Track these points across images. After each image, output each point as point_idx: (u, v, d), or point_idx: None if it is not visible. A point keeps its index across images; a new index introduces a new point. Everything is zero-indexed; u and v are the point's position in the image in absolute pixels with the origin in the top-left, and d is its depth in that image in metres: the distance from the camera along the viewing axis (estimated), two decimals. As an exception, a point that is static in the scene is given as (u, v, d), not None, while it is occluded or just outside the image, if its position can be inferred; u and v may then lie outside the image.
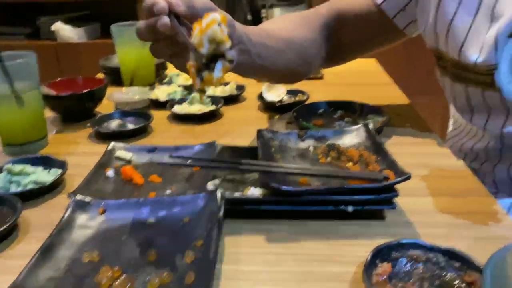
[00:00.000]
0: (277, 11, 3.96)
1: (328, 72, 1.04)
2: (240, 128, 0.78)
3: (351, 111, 0.80)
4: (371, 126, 0.63)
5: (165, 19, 0.48)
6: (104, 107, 0.86)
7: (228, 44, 0.47)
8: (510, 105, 0.63)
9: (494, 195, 0.69)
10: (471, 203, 0.53)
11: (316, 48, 0.75)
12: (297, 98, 0.88)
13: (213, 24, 0.46)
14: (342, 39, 0.77)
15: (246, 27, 0.60)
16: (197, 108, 0.82)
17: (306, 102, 0.86)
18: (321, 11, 0.78)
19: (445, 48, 0.68)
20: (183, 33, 0.49)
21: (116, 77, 1.00)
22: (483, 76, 0.63)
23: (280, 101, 0.86)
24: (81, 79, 0.87)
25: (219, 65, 0.48)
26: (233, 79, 0.96)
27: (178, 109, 0.82)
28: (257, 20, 5.06)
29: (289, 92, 0.90)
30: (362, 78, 1.05)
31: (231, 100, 0.90)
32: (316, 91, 0.93)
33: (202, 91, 0.51)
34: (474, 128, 0.72)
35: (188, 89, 0.93)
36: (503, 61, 0.60)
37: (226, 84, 0.94)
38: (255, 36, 0.61)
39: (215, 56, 0.47)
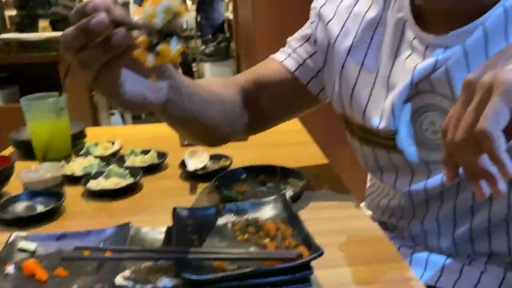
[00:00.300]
0: (207, 65, 4.06)
1: (252, 133, 1.06)
2: (160, 201, 0.75)
3: (273, 175, 0.81)
4: (289, 194, 0.63)
5: (102, 14, 0.42)
6: (13, 187, 0.80)
7: (184, 18, 0.43)
8: (413, 166, 0.66)
9: (412, 249, 0.72)
10: (386, 271, 0.53)
11: (239, 110, 0.77)
12: (220, 164, 0.88)
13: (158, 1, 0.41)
14: (261, 106, 0.79)
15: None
16: (114, 182, 0.79)
17: (230, 167, 0.86)
18: (239, 79, 0.80)
19: (350, 113, 0.72)
20: (127, 18, 0.43)
21: (28, 151, 0.94)
22: (386, 140, 0.67)
23: (203, 168, 0.85)
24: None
25: (174, 41, 0.43)
26: (154, 145, 0.95)
27: (93, 184, 0.78)
28: (188, 74, 5.15)
29: (212, 158, 0.89)
30: (285, 137, 1.07)
31: (152, 169, 0.88)
32: (241, 154, 0.93)
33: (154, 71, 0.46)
34: (386, 186, 0.75)
35: (106, 160, 0.89)
36: (402, 126, 0.64)
37: (146, 152, 0.92)
38: (187, 82, 0.61)
39: (167, 35, 0.43)
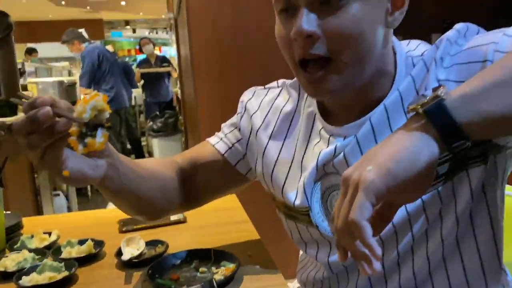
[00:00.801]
0: (155, 140, 4.11)
1: (191, 214, 1.10)
2: (94, 293, 0.76)
3: (207, 258, 0.84)
4: (220, 278, 0.67)
5: (47, 108, 0.54)
6: None
7: (107, 113, 0.57)
8: (329, 239, 0.74)
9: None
10: None
11: (175, 187, 0.84)
12: (156, 250, 0.90)
13: (96, 96, 0.56)
14: (196, 183, 0.87)
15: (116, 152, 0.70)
16: (48, 276, 0.79)
17: (167, 252, 0.89)
18: (177, 159, 0.88)
19: (273, 191, 0.80)
20: (66, 112, 0.56)
21: (-42, 248, 0.92)
22: (303, 215, 0.75)
23: (139, 256, 0.87)
24: None
25: (99, 132, 0.56)
26: (93, 232, 0.96)
27: (26, 280, 0.78)
28: (137, 148, 5.13)
29: (149, 244, 0.92)
30: (222, 217, 1.12)
31: (88, 259, 0.88)
32: (179, 237, 0.97)
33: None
34: (311, 259, 0.81)
35: (41, 253, 0.89)
36: (315, 203, 0.73)
37: (83, 242, 0.93)
38: (124, 159, 0.71)
39: (95, 126, 0.56)
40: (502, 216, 0.69)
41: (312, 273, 0.82)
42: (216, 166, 0.86)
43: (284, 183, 0.77)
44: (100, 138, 0.57)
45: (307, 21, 0.60)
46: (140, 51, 5.78)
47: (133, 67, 5.66)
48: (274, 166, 0.79)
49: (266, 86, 0.87)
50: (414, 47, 0.71)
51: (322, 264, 0.77)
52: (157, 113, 4.54)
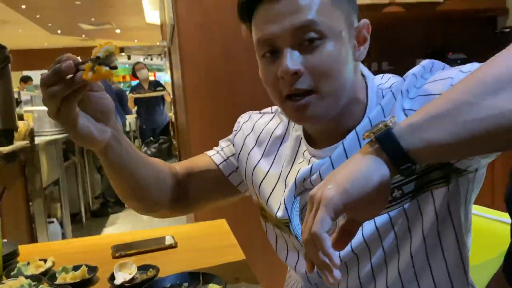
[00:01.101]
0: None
1: (182, 239, 1.14)
2: (88, 318, 0.79)
3: (196, 281, 0.88)
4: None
5: (69, 61, 0.65)
6: None
7: (117, 57, 0.67)
8: None
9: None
10: None
11: (170, 183, 0.93)
12: (148, 274, 0.94)
13: (110, 43, 0.67)
14: (189, 187, 0.95)
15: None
16: (43, 302, 0.82)
17: (158, 276, 0.92)
18: (175, 165, 0.98)
19: (261, 201, 0.89)
20: (81, 61, 0.66)
21: (-44, 276, 0.96)
22: (285, 226, 0.82)
23: (131, 280, 0.90)
24: None
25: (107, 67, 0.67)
26: (87, 259, 1.00)
27: (22, 306, 0.82)
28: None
29: (141, 268, 0.96)
30: (212, 241, 1.16)
31: (82, 285, 0.92)
32: (169, 262, 1.00)
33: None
34: (294, 274, 0.87)
35: (37, 280, 0.93)
36: (294, 216, 0.80)
37: (77, 268, 0.96)
38: (125, 140, 0.81)
39: (105, 64, 0.66)
40: (468, 234, 0.74)
41: (294, 286, 0.88)
42: (210, 175, 0.95)
43: (270, 195, 0.85)
44: (106, 68, 0.67)
45: (291, 60, 0.68)
46: (134, 76, 5.83)
47: (127, 92, 5.70)
48: (263, 179, 0.87)
49: (262, 111, 0.97)
50: (385, 81, 0.79)
51: (300, 276, 0.84)
52: (151, 138, 4.58)
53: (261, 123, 0.93)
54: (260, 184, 0.88)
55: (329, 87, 0.70)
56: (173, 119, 4.53)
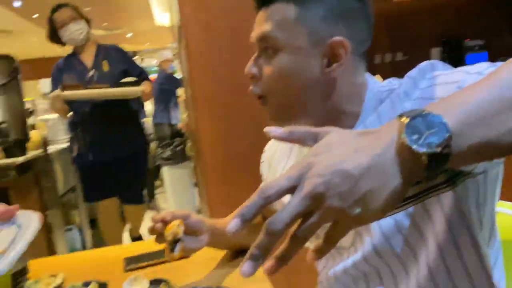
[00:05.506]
0: (165, 168, 4.14)
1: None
2: None
3: (209, 296, 0.84)
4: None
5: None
6: None
7: (180, 235, 0.82)
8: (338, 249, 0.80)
9: None
10: None
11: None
12: (159, 289, 0.90)
13: (174, 226, 0.82)
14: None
15: (215, 220, 0.99)
16: (51, 323, 0.79)
17: (169, 291, 0.89)
18: None
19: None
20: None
21: (-35, 297, 0.93)
22: None
23: (141, 296, 0.87)
24: None
25: (177, 246, 0.81)
26: (98, 273, 0.97)
27: (29, 329, 0.79)
28: (155, 174, 5.07)
29: (153, 283, 0.92)
30: (227, 252, 1.12)
31: (92, 303, 0.89)
32: (182, 274, 0.96)
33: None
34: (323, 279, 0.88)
35: (45, 299, 0.90)
36: None
37: (87, 284, 0.93)
38: (219, 223, 0.97)
39: (177, 240, 0.82)
40: (491, 238, 0.68)
41: None
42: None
43: None
44: (177, 250, 0.82)
45: (253, 65, 0.75)
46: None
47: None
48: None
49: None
50: (386, 84, 0.74)
51: (324, 277, 0.85)
52: (168, 140, 4.57)
53: (275, 144, 0.95)
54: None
55: (275, 98, 0.74)
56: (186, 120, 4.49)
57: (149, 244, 1.20)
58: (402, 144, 0.42)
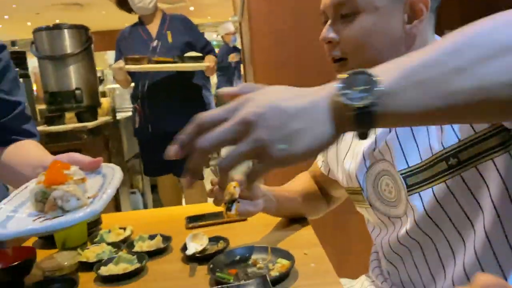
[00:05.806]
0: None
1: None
2: (162, 284, 0.83)
3: (265, 254, 0.88)
4: (276, 274, 0.72)
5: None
6: (33, 275, 0.90)
7: (236, 195, 0.81)
8: (382, 219, 0.84)
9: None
10: None
11: (316, 198, 1.12)
12: (218, 246, 0.96)
13: (230, 187, 0.81)
14: (326, 191, 1.13)
15: (272, 187, 1.02)
16: (122, 267, 0.88)
17: (227, 249, 0.94)
18: (308, 175, 1.16)
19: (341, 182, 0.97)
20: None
21: (49, 240, 1.05)
22: (358, 195, 0.88)
23: (202, 251, 0.93)
24: (10, 250, 0.91)
25: (233, 206, 0.82)
26: (162, 229, 1.04)
27: (103, 270, 0.88)
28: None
29: (212, 240, 0.98)
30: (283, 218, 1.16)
31: (157, 253, 0.97)
32: (240, 234, 1.02)
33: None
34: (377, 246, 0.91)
35: (117, 246, 0.99)
36: (369, 186, 0.85)
37: (153, 237, 1.01)
38: (276, 191, 1.02)
39: (233, 200, 0.83)
40: None
41: (375, 262, 0.93)
42: (320, 179, 1.13)
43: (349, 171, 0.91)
44: (233, 210, 0.82)
45: (328, 31, 0.78)
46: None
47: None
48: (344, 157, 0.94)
49: None
50: None
51: (379, 246, 0.88)
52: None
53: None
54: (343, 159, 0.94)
55: (357, 58, 0.76)
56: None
57: (208, 206, 1.27)
58: (335, 96, 0.45)
